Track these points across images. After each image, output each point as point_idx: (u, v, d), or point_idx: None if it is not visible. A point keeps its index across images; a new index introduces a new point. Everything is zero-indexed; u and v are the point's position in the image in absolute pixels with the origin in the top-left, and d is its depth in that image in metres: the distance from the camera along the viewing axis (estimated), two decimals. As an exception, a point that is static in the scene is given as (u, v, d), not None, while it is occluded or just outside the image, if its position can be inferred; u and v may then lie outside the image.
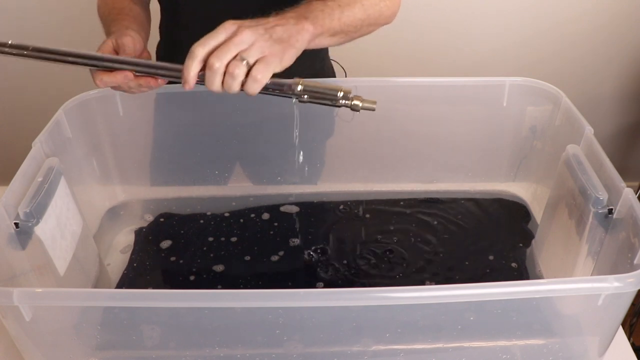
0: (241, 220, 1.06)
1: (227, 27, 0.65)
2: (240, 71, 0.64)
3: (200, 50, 0.64)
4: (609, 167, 0.80)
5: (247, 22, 0.67)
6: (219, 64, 0.63)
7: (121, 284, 0.95)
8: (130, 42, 0.80)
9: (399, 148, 1.11)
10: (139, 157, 1.10)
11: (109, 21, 0.92)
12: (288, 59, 0.67)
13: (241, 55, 0.63)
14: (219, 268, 0.97)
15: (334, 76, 1.20)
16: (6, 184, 0.79)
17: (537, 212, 1.06)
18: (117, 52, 0.80)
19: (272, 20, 0.69)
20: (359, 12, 0.79)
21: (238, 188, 1.12)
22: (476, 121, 1.07)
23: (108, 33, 0.89)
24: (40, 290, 0.68)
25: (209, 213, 1.07)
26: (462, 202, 1.10)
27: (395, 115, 1.07)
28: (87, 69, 0.94)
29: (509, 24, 1.77)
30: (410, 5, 1.75)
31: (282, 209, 1.08)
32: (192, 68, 0.64)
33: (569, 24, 1.76)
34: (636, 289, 0.64)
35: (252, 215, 1.07)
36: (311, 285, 0.94)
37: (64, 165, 0.90)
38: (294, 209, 1.08)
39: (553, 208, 0.94)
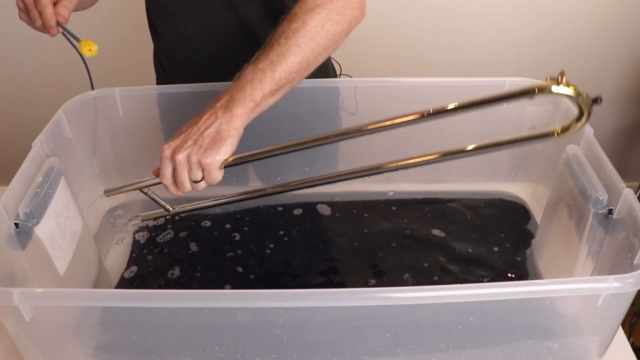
0: (241, 220, 1.06)
1: (166, 155, 0.76)
2: (198, 185, 0.77)
3: (166, 181, 0.78)
4: (609, 167, 0.80)
5: (179, 140, 0.75)
6: (184, 189, 0.78)
7: (121, 284, 0.95)
8: None
9: (399, 148, 1.11)
10: (139, 157, 1.10)
11: None
12: (227, 150, 0.74)
13: (191, 179, 0.76)
14: (219, 268, 0.97)
15: (335, 75, 1.20)
16: (6, 184, 0.80)
17: (537, 212, 1.06)
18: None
19: (202, 122, 0.76)
20: (297, 56, 0.78)
21: (237, 188, 1.12)
22: (476, 121, 1.07)
23: None
24: (40, 290, 0.68)
25: (208, 213, 1.07)
26: (462, 202, 1.10)
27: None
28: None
29: (508, 24, 1.77)
30: (410, 6, 1.75)
31: (282, 209, 1.08)
32: (174, 191, 0.79)
33: (569, 24, 1.76)
34: (636, 289, 0.64)
35: (252, 216, 1.07)
36: (310, 285, 0.94)
37: (64, 165, 0.90)
38: (294, 209, 1.09)
39: (553, 208, 0.94)
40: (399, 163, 0.80)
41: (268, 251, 1.00)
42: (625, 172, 0.89)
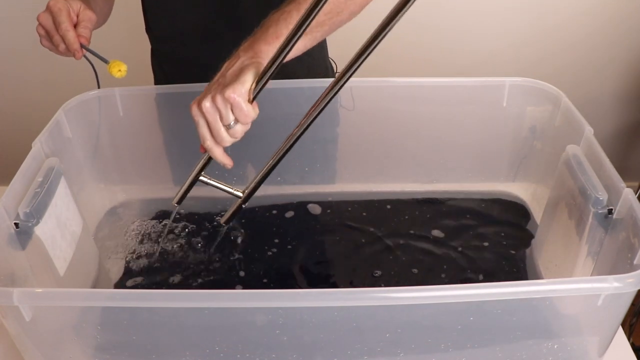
0: (241, 221, 1.06)
1: (195, 112, 0.73)
2: (234, 130, 0.73)
3: (208, 142, 0.74)
4: (609, 167, 0.80)
5: (204, 91, 0.73)
6: (223, 141, 0.73)
7: (121, 284, 0.95)
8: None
9: (399, 148, 1.11)
10: (139, 157, 1.10)
11: None
12: (249, 78, 0.71)
13: (224, 125, 0.72)
14: (219, 268, 0.97)
15: (333, 75, 1.20)
16: (6, 184, 0.79)
17: (537, 212, 1.06)
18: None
19: (225, 67, 0.74)
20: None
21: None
22: (476, 121, 1.07)
23: None
24: (40, 290, 0.68)
25: (208, 213, 1.07)
26: (462, 202, 1.10)
27: (395, 115, 1.07)
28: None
29: (509, 24, 1.77)
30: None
31: (282, 209, 1.08)
32: (219, 156, 0.76)
33: (568, 24, 1.76)
34: (636, 289, 0.64)
35: (252, 216, 1.07)
36: (310, 285, 0.94)
37: (64, 165, 0.90)
38: (295, 210, 1.08)
39: (553, 208, 0.93)
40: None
41: (270, 254, 1.00)
42: (625, 172, 0.89)
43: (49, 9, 0.86)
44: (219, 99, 0.70)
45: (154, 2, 1.05)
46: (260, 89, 0.72)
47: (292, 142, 0.76)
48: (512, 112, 1.03)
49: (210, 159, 0.80)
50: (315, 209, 1.09)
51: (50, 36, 0.87)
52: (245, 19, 1.01)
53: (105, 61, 0.87)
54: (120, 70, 0.86)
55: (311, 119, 0.72)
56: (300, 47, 0.75)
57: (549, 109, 0.99)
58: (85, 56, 0.87)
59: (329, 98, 0.70)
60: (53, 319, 0.72)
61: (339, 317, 0.68)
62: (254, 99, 0.72)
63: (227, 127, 0.72)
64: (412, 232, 1.03)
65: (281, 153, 0.77)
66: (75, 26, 0.87)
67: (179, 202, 0.86)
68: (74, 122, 0.97)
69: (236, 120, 0.72)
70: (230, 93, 0.70)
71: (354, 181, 1.13)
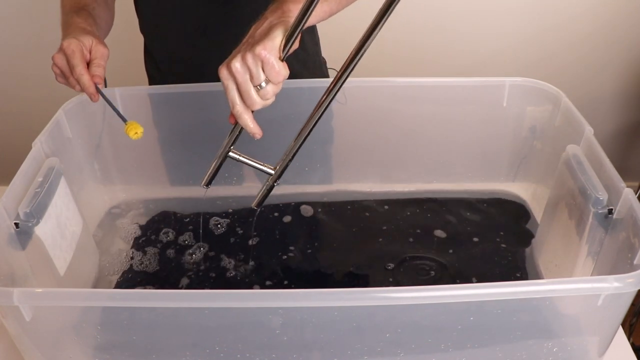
0: (241, 221, 1.06)
1: (223, 74, 0.71)
2: (265, 91, 0.71)
3: (238, 107, 0.72)
4: (609, 167, 0.80)
5: (232, 54, 0.72)
6: (253, 104, 0.71)
7: (121, 284, 0.95)
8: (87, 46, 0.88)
9: (399, 148, 1.11)
10: (139, 157, 1.10)
11: (71, 13, 0.95)
12: (279, 34, 0.69)
13: (255, 86, 0.70)
14: (220, 268, 0.97)
15: (327, 70, 1.21)
16: (6, 184, 0.80)
17: (537, 212, 1.06)
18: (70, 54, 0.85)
19: (253, 29, 0.73)
20: None
21: (238, 188, 1.12)
22: (476, 121, 1.07)
23: (68, 24, 0.92)
24: (40, 290, 0.68)
25: (208, 213, 1.07)
26: (462, 202, 1.10)
27: (395, 115, 1.07)
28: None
29: (508, 24, 1.77)
30: (410, 6, 1.75)
31: (282, 209, 1.08)
32: (249, 122, 0.73)
33: (568, 24, 1.76)
34: (636, 289, 0.64)
35: (252, 216, 1.07)
36: (310, 285, 0.94)
37: (64, 165, 0.90)
38: (294, 210, 1.08)
39: (553, 208, 0.93)
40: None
41: (271, 253, 1.00)
42: (625, 172, 0.89)
43: (62, 50, 0.86)
44: (249, 56, 0.69)
45: (147, 3, 1.05)
46: (290, 47, 0.70)
47: (311, 127, 0.75)
48: (512, 112, 1.03)
49: (239, 133, 0.77)
50: (315, 209, 1.09)
51: (66, 77, 0.87)
52: (241, 17, 1.02)
53: (124, 120, 0.86)
54: (137, 133, 0.85)
55: (321, 108, 0.73)
56: (326, 9, 0.75)
57: (549, 109, 0.99)
58: (101, 94, 0.86)
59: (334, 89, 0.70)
60: (53, 319, 0.72)
61: (339, 317, 0.68)
62: (284, 58, 0.70)
63: (258, 89, 0.70)
64: (411, 232, 1.03)
65: (305, 135, 0.77)
66: (88, 63, 0.87)
67: (209, 183, 0.83)
68: (74, 122, 0.97)
69: (267, 80, 0.70)
70: (261, 50, 0.68)
71: (354, 181, 1.13)
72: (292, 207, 1.09)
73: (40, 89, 1.77)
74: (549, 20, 1.75)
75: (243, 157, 0.79)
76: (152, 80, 1.19)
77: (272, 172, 0.80)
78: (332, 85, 0.71)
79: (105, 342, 0.73)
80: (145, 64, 1.20)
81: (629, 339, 0.86)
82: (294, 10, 0.72)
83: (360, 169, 1.13)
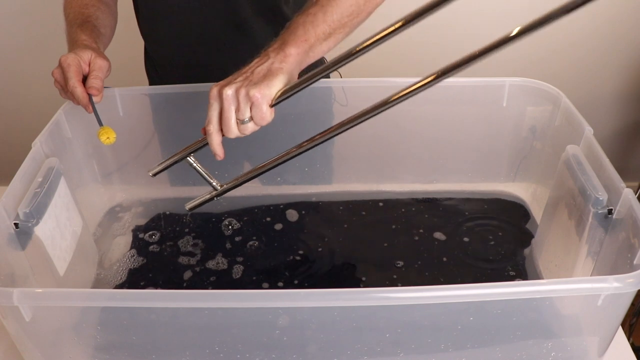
0: (242, 221, 1.06)
1: (213, 94, 0.73)
2: (245, 126, 0.73)
3: (212, 127, 0.74)
4: (609, 168, 0.80)
5: (228, 79, 0.73)
6: (230, 133, 0.73)
7: (121, 284, 0.95)
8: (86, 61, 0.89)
9: (399, 148, 1.11)
10: (139, 157, 1.10)
11: (74, 26, 0.96)
12: (277, 84, 0.72)
13: (238, 119, 0.73)
14: (219, 268, 0.97)
15: (328, 75, 1.20)
16: (6, 184, 0.80)
17: (537, 212, 1.06)
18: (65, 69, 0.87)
19: (254, 63, 0.74)
20: (346, 2, 0.77)
21: (238, 188, 1.12)
22: (476, 121, 1.07)
23: (72, 39, 0.94)
24: (40, 290, 0.68)
25: (208, 213, 1.07)
26: (462, 202, 1.10)
27: (395, 115, 1.06)
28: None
29: (508, 24, 1.76)
30: (410, 6, 1.75)
31: (281, 209, 1.08)
32: (215, 143, 0.75)
33: (568, 24, 1.75)
34: (636, 290, 0.64)
35: (252, 216, 1.07)
36: (310, 285, 0.94)
37: (64, 165, 0.90)
38: (295, 210, 1.08)
39: (553, 208, 0.94)
40: (399, 95, 0.77)
41: (269, 254, 1.00)
42: (625, 172, 0.89)
43: (59, 65, 0.87)
44: (242, 92, 0.71)
45: (147, 8, 1.05)
46: (284, 99, 0.73)
47: (281, 161, 0.79)
48: (512, 112, 1.03)
49: (203, 145, 0.79)
50: (314, 210, 1.09)
51: (64, 91, 0.89)
52: (243, 22, 1.02)
53: (100, 124, 0.87)
54: (108, 138, 0.87)
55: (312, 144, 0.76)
56: (324, 49, 0.77)
57: (549, 109, 0.99)
58: (93, 106, 0.88)
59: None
60: (53, 319, 0.72)
61: (339, 317, 0.68)
62: (274, 105, 0.73)
63: (239, 122, 0.73)
64: (411, 232, 1.03)
65: (268, 167, 0.79)
66: (88, 74, 0.88)
67: (155, 174, 0.85)
68: (74, 122, 0.97)
69: (250, 118, 0.72)
70: (256, 92, 0.70)
71: (354, 181, 1.13)
72: (291, 207, 1.09)
73: (40, 89, 1.77)
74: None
75: (198, 165, 0.82)
76: (152, 81, 1.20)
77: (218, 188, 0.83)
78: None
79: (105, 342, 0.73)
80: (145, 65, 1.20)
81: (628, 339, 0.86)
82: (295, 55, 0.73)
83: (360, 169, 1.13)
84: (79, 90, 0.86)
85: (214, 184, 0.83)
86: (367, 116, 0.75)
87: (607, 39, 1.79)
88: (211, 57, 1.07)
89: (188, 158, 0.82)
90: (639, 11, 1.74)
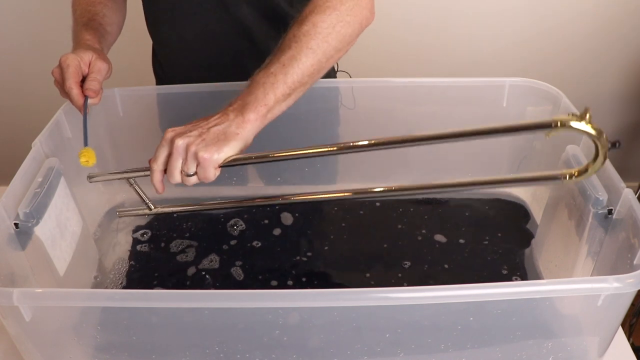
0: (241, 221, 1.06)
1: (166, 137, 0.74)
2: (188, 179, 0.74)
3: (156, 166, 0.75)
4: (609, 168, 0.80)
5: (185, 128, 0.74)
6: (172, 179, 0.75)
7: (121, 284, 0.95)
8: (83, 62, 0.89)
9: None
10: (139, 157, 1.09)
11: (80, 25, 0.96)
12: (228, 151, 0.72)
13: (184, 170, 0.74)
14: (219, 268, 0.97)
15: (334, 72, 1.20)
16: (6, 184, 0.79)
17: (537, 212, 1.06)
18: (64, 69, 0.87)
19: (212, 120, 0.74)
20: (309, 59, 0.76)
21: (237, 188, 1.12)
22: (476, 121, 1.07)
23: (76, 37, 0.95)
24: (40, 290, 0.68)
25: (208, 213, 1.07)
26: (462, 202, 1.10)
27: (395, 115, 1.07)
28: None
29: (509, 24, 1.77)
30: (410, 6, 1.75)
31: (281, 209, 1.08)
32: (156, 180, 0.77)
33: (569, 25, 1.76)
34: (636, 290, 0.64)
35: (252, 216, 1.07)
36: (310, 285, 0.94)
37: (64, 165, 0.90)
38: (294, 211, 1.08)
39: (553, 208, 0.94)
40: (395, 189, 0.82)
41: (269, 255, 1.00)
42: (625, 172, 0.89)
43: (59, 64, 0.87)
44: (192, 150, 0.72)
45: (151, 9, 1.06)
46: (232, 166, 0.74)
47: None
48: (512, 112, 1.03)
49: (144, 175, 0.81)
50: (313, 210, 1.09)
51: (62, 91, 0.89)
52: (245, 25, 1.02)
53: (85, 144, 0.86)
54: (87, 161, 0.85)
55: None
56: (283, 109, 0.77)
57: (549, 109, 0.99)
58: (84, 110, 0.87)
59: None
60: (53, 319, 0.72)
61: (339, 317, 0.68)
62: (222, 166, 0.74)
63: (183, 173, 0.74)
64: (411, 232, 1.03)
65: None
66: (87, 75, 0.88)
67: (92, 181, 0.87)
68: (74, 122, 0.97)
69: (195, 173, 0.74)
70: (205, 155, 0.71)
71: (353, 181, 1.13)
72: (292, 207, 1.09)
73: (41, 88, 1.77)
74: (549, 20, 1.75)
75: (136, 186, 0.86)
76: (159, 80, 1.20)
77: (152, 208, 0.88)
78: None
79: (105, 342, 0.73)
80: (152, 64, 1.20)
81: (628, 339, 0.86)
82: (253, 120, 0.74)
83: (360, 169, 1.13)
84: (74, 92, 0.86)
85: (150, 205, 0.88)
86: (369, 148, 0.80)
87: (607, 39, 1.79)
88: (213, 59, 1.07)
89: (130, 179, 0.85)
90: (639, 11, 1.74)
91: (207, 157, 0.71)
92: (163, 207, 0.89)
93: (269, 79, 0.75)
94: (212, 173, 0.73)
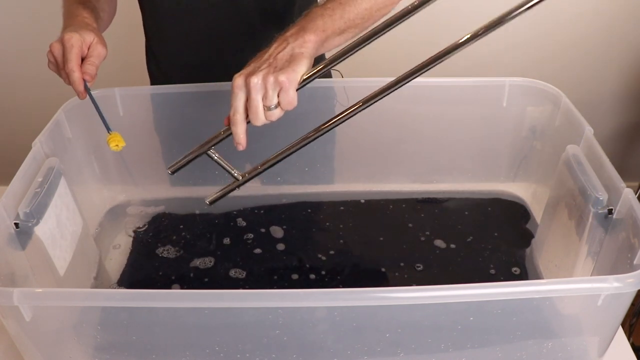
0: (240, 221, 1.06)
1: (238, 83, 0.73)
2: (272, 113, 0.73)
3: (238, 116, 0.74)
4: (609, 168, 0.80)
5: (251, 67, 0.74)
6: (257, 121, 0.73)
7: (121, 284, 0.95)
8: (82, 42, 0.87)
9: (399, 148, 1.11)
10: (139, 157, 1.10)
11: (74, 2, 0.95)
12: (302, 68, 0.73)
13: (265, 106, 0.72)
14: (219, 268, 0.97)
15: (329, 74, 1.20)
16: (6, 184, 0.79)
17: (537, 212, 1.06)
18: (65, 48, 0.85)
19: (273, 49, 0.75)
20: (364, 1, 0.79)
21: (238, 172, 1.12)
22: (476, 121, 1.07)
23: (71, 13, 0.93)
24: (40, 290, 0.68)
25: (208, 213, 1.07)
26: (462, 202, 1.10)
27: (395, 115, 1.07)
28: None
29: (509, 24, 1.76)
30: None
31: (281, 209, 1.08)
32: (240, 132, 0.74)
33: (569, 25, 1.76)
34: (636, 290, 0.64)
35: (254, 216, 1.07)
36: (310, 285, 0.94)
37: (64, 165, 0.90)
38: (295, 211, 1.08)
39: (553, 208, 0.93)
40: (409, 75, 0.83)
41: (270, 254, 1.00)
42: (625, 172, 0.89)
43: (62, 42, 0.86)
44: (271, 79, 0.71)
45: (154, 6, 1.05)
46: (307, 83, 0.74)
47: (302, 144, 0.78)
48: (512, 112, 1.03)
49: (226, 136, 0.78)
50: (312, 210, 1.09)
51: (58, 69, 0.87)
52: (250, 25, 1.02)
53: (108, 130, 0.86)
54: (117, 145, 0.85)
55: (333, 124, 0.78)
56: (336, 44, 0.79)
57: (549, 109, 0.99)
58: (90, 97, 0.86)
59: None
60: (53, 319, 0.72)
61: (339, 317, 0.68)
62: (298, 88, 0.73)
63: (266, 109, 0.73)
64: (410, 232, 1.03)
65: (287, 153, 0.79)
66: (83, 59, 0.87)
67: (175, 171, 0.83)
68: (74, 122, 0.97)
69: (277, 104, 0.73)
70: (284, 78, 0.71)
71: (354, 181, 1.13)
72: (291, 206, 1.09)
73: (41, 89, 1.77)
74: (549, 20, 1.75)
75: (219, 158, 0.81)
76: (153, 78, 1.19)
77: (240, 178, 0.82)
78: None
79: (105, 342, 0.73)
80: (147, 63, 1.20)
81: (629, 339, 0.86)
82: (313, 41, 0.75)
83: (360, 169, 1.13)
84: (76, 75, 0.85)
85: (236, 175, 0.82)
86: (366, 104, 0.80)
87: (607, 39, 1.79)
88: (215, 58, 1.07)
89: (209, 152, 0.81)
90: (639, 11, 1.74)
91: (287, 78, 0.71)
92: (248, 173, 0.82)
93: (327, 12, 0.77)
94: (295, 96, 0.73)
